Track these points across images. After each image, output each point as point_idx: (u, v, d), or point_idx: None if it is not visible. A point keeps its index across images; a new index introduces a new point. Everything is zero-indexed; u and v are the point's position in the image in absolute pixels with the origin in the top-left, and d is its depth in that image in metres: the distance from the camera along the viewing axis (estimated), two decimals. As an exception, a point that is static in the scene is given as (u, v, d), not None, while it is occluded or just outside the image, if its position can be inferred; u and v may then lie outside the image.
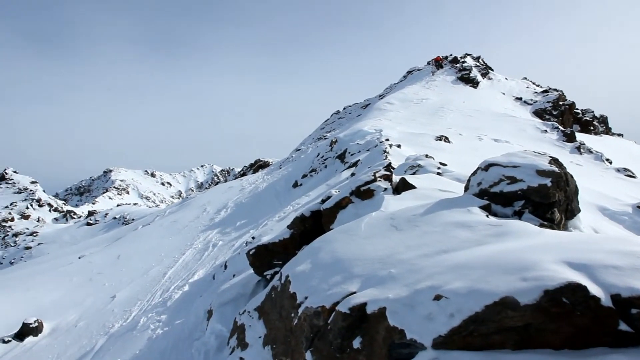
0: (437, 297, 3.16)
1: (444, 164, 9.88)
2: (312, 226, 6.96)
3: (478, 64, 42.46)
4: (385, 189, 6.67)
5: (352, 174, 14.48)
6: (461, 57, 42.88)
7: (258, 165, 40.52)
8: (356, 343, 3.60)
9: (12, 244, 47.10)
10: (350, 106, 48.79)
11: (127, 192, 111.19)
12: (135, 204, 71.64)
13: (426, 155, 10.88)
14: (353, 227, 5.31)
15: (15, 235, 49.08)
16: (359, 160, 16.33)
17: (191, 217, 23.88)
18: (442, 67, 41.39)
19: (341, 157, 20.75)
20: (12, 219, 54.96)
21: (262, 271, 7.14)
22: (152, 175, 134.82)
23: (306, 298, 4.47)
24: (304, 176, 22.57)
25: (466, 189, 5.75)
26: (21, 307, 15.75)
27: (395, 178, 7.09)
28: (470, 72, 38.36)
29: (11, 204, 62.67)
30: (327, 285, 4.31)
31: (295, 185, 22.09)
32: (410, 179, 7.02)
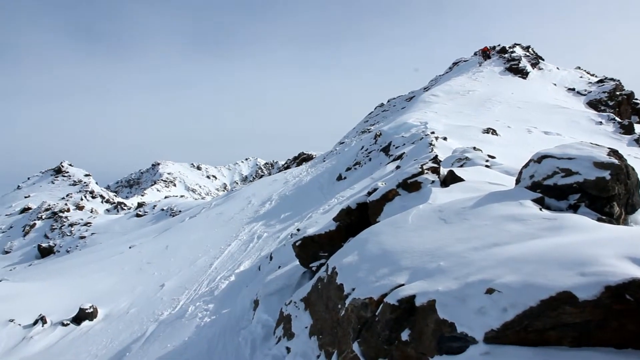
0: (489, 291, 3.09)
1: (493, 157, 9.64)
2: (358, 218, 6.94)
3: (528, 53, 40.98)
4: (433, 181, 6.57)
5: (397, 167, 14.35)
6: (510, 47, 41.47)
7: (302, 159, 40.70)
8: (404, 335, 3.57)
9: (68, 234, 49.20)
10: (394, 99, 48.26)
11: (174, 185, 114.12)
12: (181, 196, 73.53)
13: (474, 148, 10.64)
14: (400, 220, 5.26)
15: (71, 225, 51.18)
16: (404, 153, 16.15)
17: (236, 209, 24.28)
18: (489, 57, 40.20)
19: (385, 150, 20.58)
20: (68, 210, 57.34)
21: (307, 263, 7.19)
22: (198, 168, 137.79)
23: (353, 289, 4.47)
24: (348, 169, 22.53)
25: (517, 181, 5.59)
26: (77, 293, 16.47)
27: (443, 171, 6.97)
28: (520, 62, 37.09)
29: (67, 195, 65.48)
30: (374, 277, 4.30)
31: (339, 178, 22.09)
32: (458, 171, 6.89)
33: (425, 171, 6.74)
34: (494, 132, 18.20)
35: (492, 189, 5.70)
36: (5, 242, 54.70)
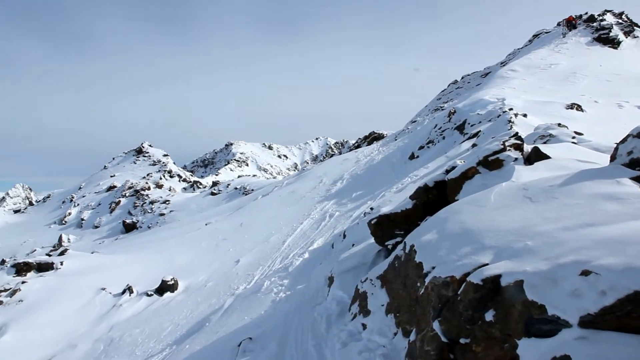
0: (585, 273, 2.90)
1: (580, 133, 9.06)
2: (435, 197, 6.78)
3: (620, 20, 37.70)
4: (516, 159, 6.26)
5: (473, 145, 13.88)
6: (599, 15, 38.35)
7: (372, 138, 40.37)
8: (489, 316, 3.46)
9: (149, 211, 51.98)
10: (468, 75, 46.58)
11: (247, 164, 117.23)
12: (254, 175, 75.40)
13: (558, 124, 10.06)
14: (481, 198, 5.07)
15: (152, 202, 54.00)
16: (480, 131, 15.58)
17: (308, 188, 24.57)
18: (575, 27, 37.45)
19: (460, 128, 19.96)
20: (149, 188, 60.53)
21: (383, 241, 7.14)
22: (270, 147, 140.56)
23: (433, 268, 4.39)
24: (421, 148, 22.11)
25: (612, 158, 5.20)
26: (159, 266, 17.42)
27: (527, 148, 6.63)
28: (610, 30, 34.30)
29: (147, 174, 69.09)
30: (456, 256, 4.18)
31: (412, 157, 21.73)
32: (543, 148, 6.53)
33: (508, 148, 6.43)
34: (579, 107, 17.12)
35: (583, 167, 5.36)
36: (94, 218, 58.77)
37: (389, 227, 7.09)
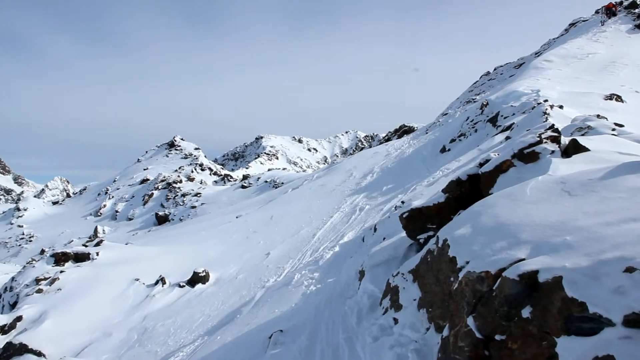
0: (630, 270, 2.80)
1: (620, 125, 8.74)
2: (468, 190, 6.65)
3: (664, 7, 36.24)
4: (553, 151, 6.08)
5: (507, 138, 13.59)
6: (641, 1, 36.75)
7: (403, 131, 40.05)
8: (525, 312, 3.37)
9: (181, 203, 52.86)
10: (501, 66, 45.54)
11: (277, 158, 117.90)
12: (284, 168, 75.72)
13: (597, 116, 9.74)
14: (517, 192, 4.95)
15: (183, 195, 54.91)
16: (514, 123, 15.23)
17: (338, 181, 24.53)
18: (615, 14, 36.03)
19: (493, 120, 19.57)
20: (181, 181, 61.58)
21: (415, 235, 7.06)
22: (299, 141, 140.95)
23: (467, 262, 4.31)
24: (452, 141, 21.78)
25: (655, 151, 5.01)
26: (191, 258, 17.68)
27: (564, 140, 6.43)
28: (654, 17, 33.02)
29: (179, 167, 70.22)
30: (490, 251, 4.10)
31: (443, 150, 21.44)
32: (582, 140, 6.32)
33: (544, 140, 6.25)
34: (618, 98, 16.55)
35: (624, 159, 5.16)
36: (128, 210, 60.13)
37: (420, 221, 7.00)
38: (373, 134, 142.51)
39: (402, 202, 11.85)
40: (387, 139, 42.28)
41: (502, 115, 18.76)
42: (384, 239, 9.23)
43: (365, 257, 8.16)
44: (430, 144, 24.53)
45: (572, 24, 40.96)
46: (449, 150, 21.02)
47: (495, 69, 46.05)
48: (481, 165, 6.78)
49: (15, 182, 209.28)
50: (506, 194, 5.05)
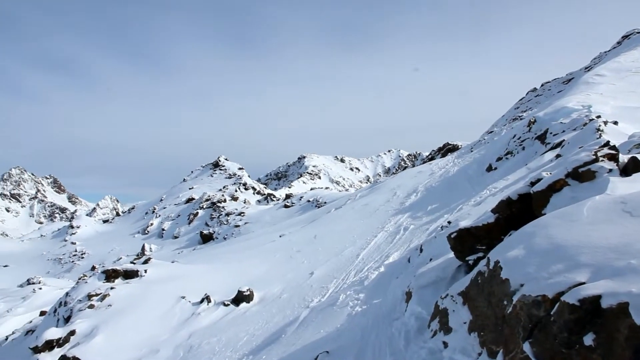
0: None
1: (682, 142, 8.34)
2: (519, 210, 6.45)
3: None
4: (610, 170, 5.85)
5: (558, 156, 13.18)
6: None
7: (447, 149, 39.46)
8: (588, 340, 3.21)
9: (225, 222, 53.68)
10: (549, 82, 44.49)
11: (319, 177, 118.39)
12: (326, 188, 75.93)
13: (656, 132, 9.33)
14: (573, 212, 4.76)
15: (227, 214, 55.79)
16: (564, 140, 14.79)
17: (381, 200, 24.35)
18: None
19: (541, 137, 19.06)
20: (225, 200, 62.62)
21: (463, 256, 6.88)
22: (342, 160, 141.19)
23: (522, 285, 4.15)
24: (499, 159, 21.30)
25: None
26: (235, 276, 17.82)
27: (622, 158, 6.18)
28: None
29: (223, 187, 71.55)
30: (547, 274, 3.94)
31: (490, 169, 20.99)
32: (642, 158, 6.05)
33: (600, 158, 6.02)
34: (677, 114, 15.85)
35: (690, 178, 4.91)
36: (174, 228, 61.48)
37: (469, 242, 6.83)
38: (416, 152, 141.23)
39: (449, 222, 11.62)
40: (431, 158, 41.77)
41: (551, 133, 18.25)
42: (431, 259, 9.05)
43: (412, 278, 8.02)
44: (475, 162, 24.07)
45: (625, 36, 39.73)
46: (495, 168, 20.56)
47: (542, 85, 45.04)
48: (532, 184, 6.59)
49: (69, 201, 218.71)
50: (561, 214, 4.87)
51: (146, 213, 74.55)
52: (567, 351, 3.36)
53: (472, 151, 28.63)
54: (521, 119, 30.91)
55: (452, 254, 7.45)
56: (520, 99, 45.73)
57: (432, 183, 23.84)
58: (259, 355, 9.52)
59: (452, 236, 6.97)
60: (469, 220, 7.85)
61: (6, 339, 20.93)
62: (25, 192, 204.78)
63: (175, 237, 57.99)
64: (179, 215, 65.74)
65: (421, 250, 10.91)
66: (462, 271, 7.08)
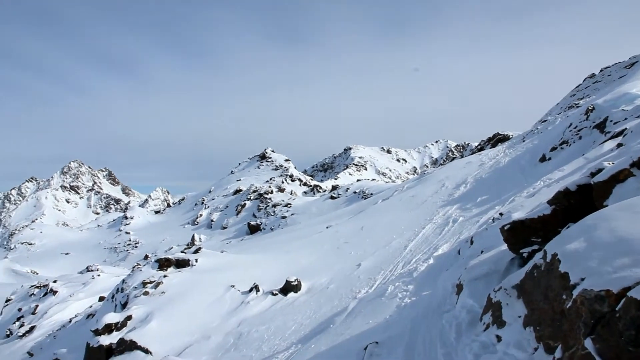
0: None
1: None
2: (578, 202, 6.20)
3: None
4: (681, 159, 5.52)
5: (619, 145, 12.57)
6: None
7: (497, 139, 38.36)
8: (658, 338, 3.05)
9: (272, 213, 54.35)
10: (608, 67, 42.36)
11: (365, 168, 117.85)
12: (372, 179, 75.63)
13: None
14: (639, 204, 4.52)
15: (274, 205, 56.46)
16: (626, 128, 14.06)
17: (429, 192, 24.01)
18: None
19: (600, 126, 18.23)
20: (272, 192, 63.39)
21: (517, 248, 6.68)
22: (388, 151, 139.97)
23: (582, 279, 3.98)
24: (553, 149, 20.54)
25: None
26: (283, 267, 18.04)
27: (692, 146, 5.82)
28: None
29: (270, 179, 72.45)
30: (611, 268, 3.76)
31: (543, 159, 20.28)
32: None
33: (668, 147, 5.70)
34: None
35: None
36: (223, 219, 62.79)
37: (524, 234, 6.62)
38: (464, 143, 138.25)
39: (500, 214, 11.28)
40: (480, 149, 40.74)
41: (611, 121, 17.43)
42: (482, 252, 8.84)
43: (463, 271, 7.86)
44: (528, 152, 23.30)
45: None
46: (549, 159, 19.83)
47: (601, 71, 43.00)
48: (593, 175, 6.30)
49: (123, 193, 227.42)
50: (626, 206, 4.64)
51: (195, 204, 76.54)
52: (634, 350, 3.20)
53: (524, 141, 27.72)
54: (578, 106, 29.68)
55: (504, 246, 7.25)
56: (577, 86, 43.85)
57: (481, 174, 23.26)
58: (308, 344, 9.60)
59: (506, 228, 6.78)
60: (522, 212, 7.62)
61: (70, 321, 22.10)
62: (83, 184, 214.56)
63: (224, 228, 59.25)
64: (227, 207, 67.10)
65: (472, 243, 10.68)
66: (515, 264, 6.88)
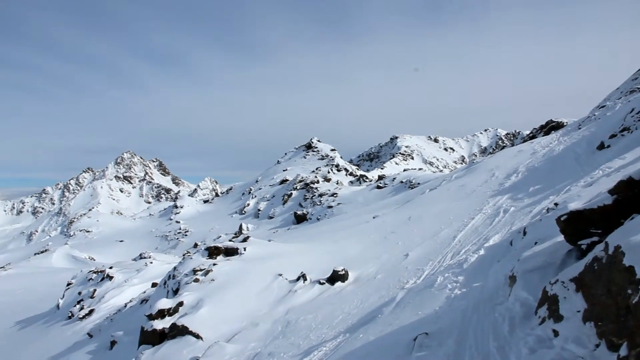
0: None
1: None
2: (642, 192, 5.87)
3: None
4: None
5: (685, 132, 11.85)
6: None
7: (550, 127, 37.01)
8: None
9: (318, 203, 54.65)
10: (672, 51, 39.94)
11: (412, 158, 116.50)
12: (420, 169, 74.63)
13: None
14: None
15: (320, 195, 56.73)
16: (695, 114, 13.25)
17: (479, 181, 23.47)
18: None
19: (665, 112, 17.25)
20: (318, 182, 63.69)
21: (575, 240, 6.40)
22: (435, 140, 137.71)
23: (650, 274, 3.78)
24: (613, 136, 19.61)
25: None
26: (330, 256, 18.09)
27: None
28: None
29: (317, 168, 72.71)
30: (682, 261, 3.55)
31: (601, 147, 19.40)
32: None
33: None
34: None
35: None
36: (269, 209, 63.67)
37: (581, 225, 6.33)
38: (515, 131, 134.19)
39: (555, 204, 10.88)
40: (532, 137, 39.41)
41: (676, 106, 16.45)
42: (536, 243, 8.55)
43: (516, 262, 7.63)
44: (584, 140, 22.33)
45: None
46: (608, 146, 18.95)
47: (665, 53, 40.54)
48: (659, 162, 5.95)
49: (173, 182, 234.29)
50: (697, 196, 4.36)
51: (243, 194, 77.93)
52: None
53: (579, 128, 26.60)
54: None
55: (560, 238, 6.98)
56: (639, 70, 41.65)
57: (534, 163, 22.50)
58: (356, 334, 9.60)
59: (562, 219, 6.51)
60: (579, 202, 7.30)
61: (125, 305, 23.07)
62: (135, 174, 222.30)
63: (271, 217, 60.07)
64: (273, 196, 67.97)
65: (524, 234, 10.35)
66: (573, 256, 6.61)
